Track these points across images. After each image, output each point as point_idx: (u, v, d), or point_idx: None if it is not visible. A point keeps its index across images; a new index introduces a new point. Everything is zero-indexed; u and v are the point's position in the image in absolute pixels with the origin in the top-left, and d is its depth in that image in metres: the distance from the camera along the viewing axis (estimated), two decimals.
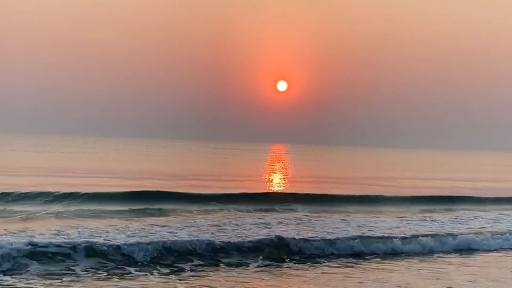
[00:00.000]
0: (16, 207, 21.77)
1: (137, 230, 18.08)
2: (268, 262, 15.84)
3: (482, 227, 23.30)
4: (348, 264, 16.34)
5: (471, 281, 14.79)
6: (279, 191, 34.96)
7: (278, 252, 16.47)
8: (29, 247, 14.28)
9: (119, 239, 16.05)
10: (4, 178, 33.15)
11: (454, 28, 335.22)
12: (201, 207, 24.26)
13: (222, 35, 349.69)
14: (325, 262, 16.29)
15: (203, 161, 72.19)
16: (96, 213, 21.71)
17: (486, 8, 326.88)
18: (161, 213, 22.72)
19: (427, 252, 18.46)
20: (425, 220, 24.57)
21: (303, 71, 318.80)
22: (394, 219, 24.18)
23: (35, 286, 12.55)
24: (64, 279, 13.27)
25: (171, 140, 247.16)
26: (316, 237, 18.16)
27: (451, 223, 24.18)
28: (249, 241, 16.63)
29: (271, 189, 36.06)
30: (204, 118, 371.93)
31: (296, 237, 17.76)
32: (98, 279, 13.51)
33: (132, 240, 15.97)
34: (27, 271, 13.60)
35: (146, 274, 14.12)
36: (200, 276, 14.20)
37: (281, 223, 21.30)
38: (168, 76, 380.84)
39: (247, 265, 15.45)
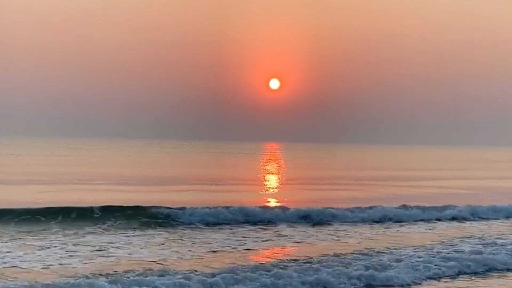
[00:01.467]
0: None
1: None
2: None
3: None
4: None
5: None
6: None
7: None
8: None
9: None
10: None
11: (452, 23, 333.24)
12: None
13: (213, 33, 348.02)
14: None
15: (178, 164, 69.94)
16: None
17: (488, 2, 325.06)
18: None
19: None
20: None
21: (295, 68, 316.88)
22: None
23: None
24: None
25: (163, 140, 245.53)
26: None
27: None
28: None
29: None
30: (195, 118, 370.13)
31: None
32: None
33: None
34: None
35: None
36: None
37: None
38: (159, 75, 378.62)
39: None
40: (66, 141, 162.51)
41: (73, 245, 15.86)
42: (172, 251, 15.58)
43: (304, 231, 19.79)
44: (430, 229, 21.45)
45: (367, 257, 14.99)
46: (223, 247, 16.41)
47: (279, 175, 49.64)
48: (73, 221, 19.14)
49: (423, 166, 73.91)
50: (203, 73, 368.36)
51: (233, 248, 16.30)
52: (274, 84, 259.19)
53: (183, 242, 17.04)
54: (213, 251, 15.72)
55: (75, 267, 13.22)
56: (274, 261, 14.41)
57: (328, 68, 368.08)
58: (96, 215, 19.85)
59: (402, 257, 15.14)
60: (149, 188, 33.81)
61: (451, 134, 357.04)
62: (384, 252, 15.91)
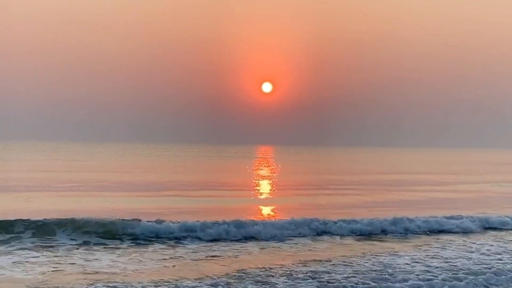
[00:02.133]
0: None
1: None
2: None
3: None
4: None
5: None
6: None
7: None
8: None
9: None
10: None
11: (447, 26, 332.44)
12: None
13: (206, 38, 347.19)
14: None
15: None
16: None
17: (484, 5, 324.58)
18: None
19: None
20: None
21: (287, 72, 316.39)
22: None
23: None
24: None
25: (155, 143, 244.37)
26: None
27: None
28: None
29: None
30: (188, 121, 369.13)
31: None
32: None
33: None
34: None
35: None
36: None
37: None
38: (152, 79, 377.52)
39: None
40: (64, 145, 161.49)
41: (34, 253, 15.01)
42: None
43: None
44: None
45: None
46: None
47: (271, 181, 48.68)
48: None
49: (421, 169, 73.07)
50: (196, 77, 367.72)
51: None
52: (267, 87, 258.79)
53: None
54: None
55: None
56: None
57: (320, 71, 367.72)
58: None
59: None
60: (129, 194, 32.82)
61: (446, 136, 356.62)
62: None
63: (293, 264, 14.62)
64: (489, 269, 14.44)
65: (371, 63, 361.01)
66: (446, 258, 15.95)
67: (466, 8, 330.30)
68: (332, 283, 12.68)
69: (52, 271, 13.36)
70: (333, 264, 14.64)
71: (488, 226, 22.56)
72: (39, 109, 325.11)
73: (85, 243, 17.00)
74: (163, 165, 69.18)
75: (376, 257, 15.79)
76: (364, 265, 14.67)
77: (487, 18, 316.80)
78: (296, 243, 18.15)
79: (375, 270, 13.98)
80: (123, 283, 12.24)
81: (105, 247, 16.54)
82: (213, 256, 15.65)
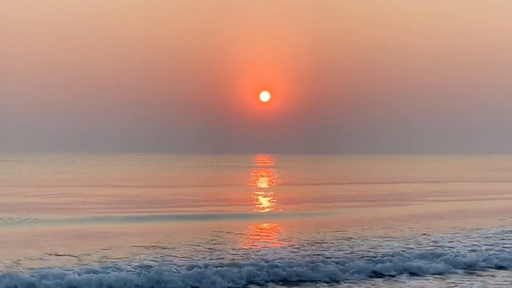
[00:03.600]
0: None
1: None
2: None
3: None
4: None
5: None
6: None
7: None
8: None
9: None
10: None
11: (449, 28, 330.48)
12: None
13: (202, 46, 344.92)
14: None
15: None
16: None
17: (485, 9, 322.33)
18: None
19: None
20: None
21: (285, 81, 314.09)
22: None
23: None
24: None
25: (150, 154, 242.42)
26: None
27: None
28: None
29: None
30: (185, 131, 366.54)
31: None
32: None
33: None
34: None
35: None
36: None
37: None
38: (147, 88, 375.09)
39: None
40: (54, 156, 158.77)
41: None
42: None
43: None
44: None
45: None
46: None
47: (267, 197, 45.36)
48: None
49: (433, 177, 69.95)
50: (192, 86, 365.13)
51: None
52: (265, 96, 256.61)
53: None
54: None
55: None
56: None
57: (318, 79, 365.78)
58: None
59: None
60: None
61: (448, 142, 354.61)
62: None
63: None
64: None
65: (373, 71, 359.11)
66: None
67: (473, 10, 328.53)
68: None
69: None
70: None
71: None
72: (23, 119, 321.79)
73: None
74: (150, 177, 65.39)
75: None
76: None
77: (498, 20, 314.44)
78: None
79: None
80: None
81: None
82: None
